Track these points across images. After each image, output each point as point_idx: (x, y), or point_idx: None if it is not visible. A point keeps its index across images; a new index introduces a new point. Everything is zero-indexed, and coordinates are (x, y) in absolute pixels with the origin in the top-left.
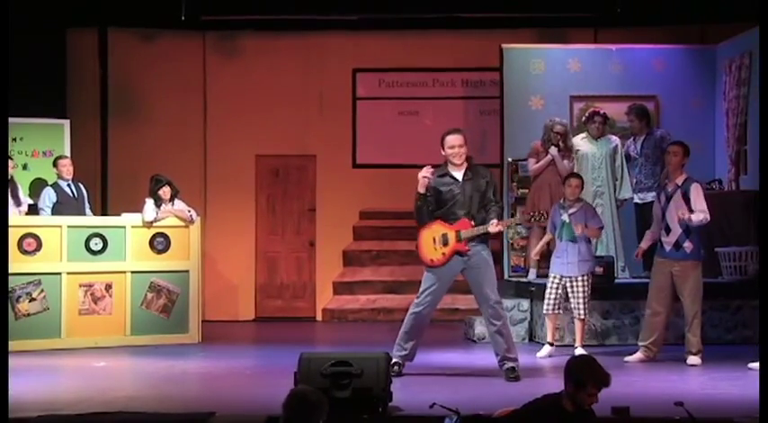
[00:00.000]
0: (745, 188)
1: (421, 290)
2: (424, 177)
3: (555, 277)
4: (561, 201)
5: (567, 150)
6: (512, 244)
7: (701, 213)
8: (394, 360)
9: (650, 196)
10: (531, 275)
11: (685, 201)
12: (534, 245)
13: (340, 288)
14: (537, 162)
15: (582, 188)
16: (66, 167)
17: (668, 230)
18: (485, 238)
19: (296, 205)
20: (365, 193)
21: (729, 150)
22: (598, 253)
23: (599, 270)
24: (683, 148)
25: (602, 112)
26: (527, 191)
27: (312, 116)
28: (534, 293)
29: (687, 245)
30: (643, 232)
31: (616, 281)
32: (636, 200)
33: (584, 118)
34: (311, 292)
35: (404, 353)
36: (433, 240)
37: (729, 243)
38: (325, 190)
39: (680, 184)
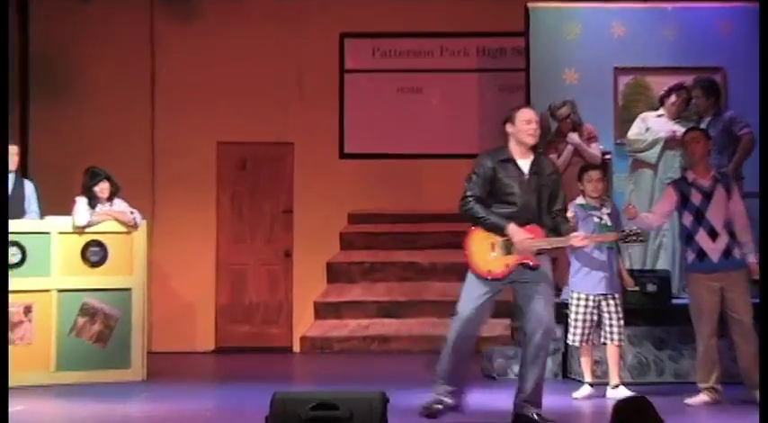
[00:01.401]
0: None
1: (464, 301)
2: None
3: (583, 298)
4: (581, 199)
5: (589, 133)
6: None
7: (744, 218)
8: (434, 398)
9: None
10: (566, 294)
11: (728, 195)
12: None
13: (323, 310)
14: (558, 157)
15: (605, 182)
16: (11, 157)
17: (714, 235)
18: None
19: (268, 206)
20: (355, 190)
21: None
22: (649, 266)
23: (652, 288)
24: (705, 134)
25: (686, 85)
26: None
27: (289, 95)
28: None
29: (737, 251)
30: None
31: (673, 301)
32: None
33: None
34: (287, 315)
35: (449, 389)
36: (492, 247)
37: None
38: (305, 186)
39: (719, 177)
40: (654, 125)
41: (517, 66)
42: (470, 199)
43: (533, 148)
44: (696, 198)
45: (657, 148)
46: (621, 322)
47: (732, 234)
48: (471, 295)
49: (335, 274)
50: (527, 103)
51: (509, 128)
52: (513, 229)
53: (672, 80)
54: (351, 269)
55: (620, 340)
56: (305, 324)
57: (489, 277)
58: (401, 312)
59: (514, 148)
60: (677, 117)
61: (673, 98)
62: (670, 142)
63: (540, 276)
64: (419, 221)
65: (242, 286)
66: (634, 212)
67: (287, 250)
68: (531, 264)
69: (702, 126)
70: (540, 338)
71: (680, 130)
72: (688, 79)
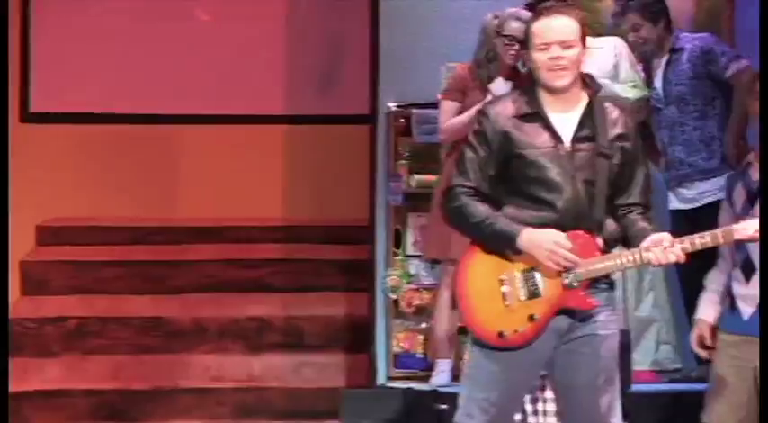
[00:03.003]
0: None
1: (468, 402)
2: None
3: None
4: None
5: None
6: (395, 302)
7: None
8: None
9: (704, 193)
10: (441, 378)
11: None
12: (446, 307)
13: None
14: (460, 111)
15: None
16: None
17: (750, 270)
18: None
19: None
20: (47, 181)
21: None
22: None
23: None
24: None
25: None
26: (432, 178)
27: None
28: (444, 418)
29: None
30: (688, 276)
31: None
32: (674, 204)
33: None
34: None
35: None
36: (501, 283)
37: None
38: None
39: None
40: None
41: None
42: (461, 193)
43: (585, 90)
44: (739, 201)
45: None
46: None
47: None
48: (480, 387)
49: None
50: (371, 30)
51: (527, 57)
52: (530, 237)
53: None
54: (41, 331)
55: None
56: None
57: (504, 344)
58: (138, 413)
59: (544, 95)
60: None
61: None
62: None
63: (599, 332)
64: (173, 242)
65: None
66: None
67: None
68: (582, 306)
69: (657, 74)
70: None
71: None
72: None
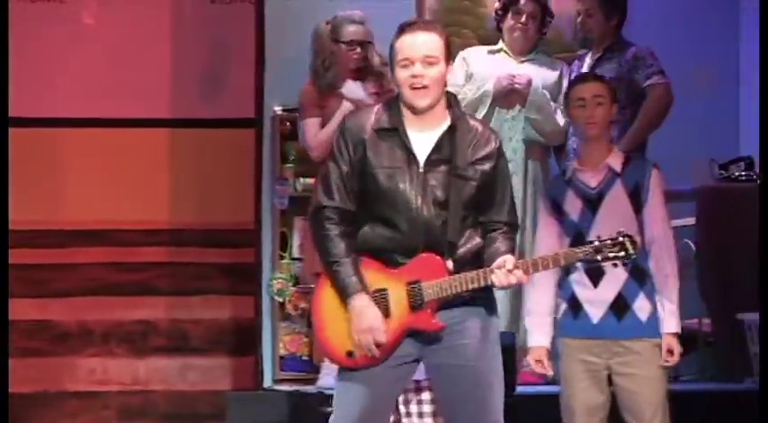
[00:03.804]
0: None
1: (334, 410)
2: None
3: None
4: None
5: (386, 86)
6: (281, 305)
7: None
8: None
9: None
10: (327, 380)
11: (633, 202)
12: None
13: None
14: (323, 124)
15: None
16: None
17: (597, 274)
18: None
19: None
20: None
21: None
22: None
23: None
24: (608, 87)
25: None
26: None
27: None
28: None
29: (641, 304)
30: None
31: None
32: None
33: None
34: None
35: None
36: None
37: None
38: None
39: (618, 168)
40: (481, 69)
41: None
42: (324, 218)
43: (449, 109)
44: (574, 208)
45: (483, 111)
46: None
47: (638, 272)
48: (342, 404)
49: None
50: (257, 32)
51: (392, 74)
52: (356, 305)
53: None
54: None
55: None
56: None
57: (354, 364)
58: (24, 417)
59: (406, 112)
60: (528, 51)
61: (510, 20)
62: (506, 97)
63: (466, 341)
64: (58, 245)
65: None
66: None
67: None
68: (428, 328)
69: (585, 67)
70: None
71: (527, 75)
72: None
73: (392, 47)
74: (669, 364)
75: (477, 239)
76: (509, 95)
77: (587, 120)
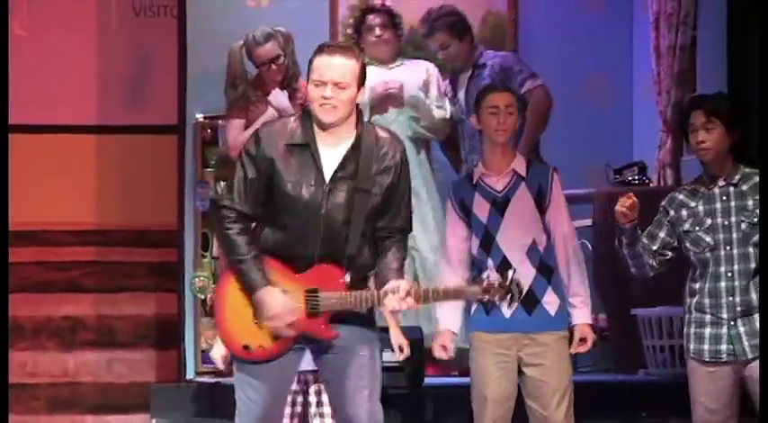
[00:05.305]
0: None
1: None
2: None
3: None
4: None
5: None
6: (202, 301)
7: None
8: None
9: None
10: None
11: (537, 204)
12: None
13: None
14: (245, 126)
15: None
16: None
17: (505, 268)
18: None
19: None
20: None
21: (661, 104)
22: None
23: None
24: (514, 96)
25: (386, 4)
26: None
27: None
28: None
29: (549, 299)
30: None
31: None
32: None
33: (351, 22)
34: None
35: None
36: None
37: (659, 299)
38: None
39: (523, 172)
40: None
41: None
42: (225, 217)
43: (357, 126)
44: (482, 210)
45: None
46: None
47: (545, 267)
48: (245, 400)
49: None
50: (179, 39)
51: (304, 83)
52: (262, 298)
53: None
54: None
55: None
56: None
57: (253, 357)
58: None
59: (317, 127)
60: (393, 59)
61: (367, 37)
62: (384, 103)
63: (351, 347)
64: None
65: None
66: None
67: None
68: (320, 335)
69: (460, 88)
70: None
71: (398, 80)
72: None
73: (310, 62)
74: (582, 351)
75: (376, 252)
76: (386, 101)
77: (498, 127)
